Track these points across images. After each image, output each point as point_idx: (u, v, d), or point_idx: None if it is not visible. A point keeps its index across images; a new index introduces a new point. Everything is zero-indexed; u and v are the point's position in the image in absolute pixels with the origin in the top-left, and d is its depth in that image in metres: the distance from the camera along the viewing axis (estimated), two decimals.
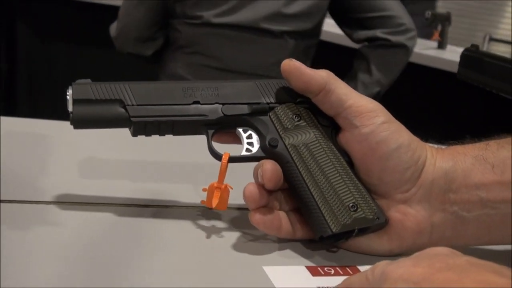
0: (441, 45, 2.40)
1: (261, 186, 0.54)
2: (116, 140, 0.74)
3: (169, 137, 0.58)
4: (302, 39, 1.62)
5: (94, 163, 0.72)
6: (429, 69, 2.19)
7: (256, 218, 0.54)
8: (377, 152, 0.54)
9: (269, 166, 0.54)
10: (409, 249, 0.55)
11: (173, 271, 0.51)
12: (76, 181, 0.66)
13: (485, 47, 2.79)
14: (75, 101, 0.55)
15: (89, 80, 0.56)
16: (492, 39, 2.91)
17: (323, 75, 0.55)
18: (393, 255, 0.56)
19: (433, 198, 0.54)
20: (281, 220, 0.55)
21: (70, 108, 0.55)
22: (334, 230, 0.53)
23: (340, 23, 1.73)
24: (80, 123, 0.55)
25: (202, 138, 0.58)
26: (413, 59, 2.20)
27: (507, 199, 0.53)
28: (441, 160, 0.55)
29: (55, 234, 0.54)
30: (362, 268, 0.55)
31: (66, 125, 0.69)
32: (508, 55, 2.71)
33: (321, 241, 0.55)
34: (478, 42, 2.80)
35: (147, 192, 0.65)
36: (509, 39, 3.32)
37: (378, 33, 1.65)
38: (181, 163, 0.75)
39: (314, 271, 0.53)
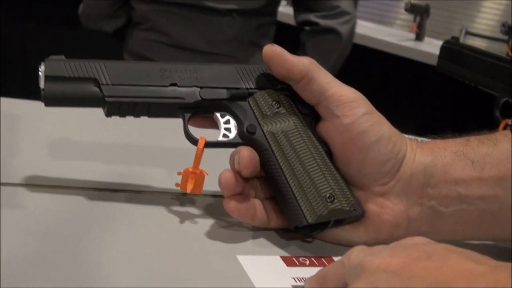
0: (419, 37, 2.41)
1: (237, 173, 0.53)
2: (89, 121, 0.72)
3: (144, 119, 0.56)
4: (252, 17, 1.58)
5: (65, 144, 0.70)
6: (407, 61, 2.19)
7: (231, 205, 0.53)
8: (357, 143, 0.53)
9: (246, 152, 0.53)
10: (384, 242, 0.54)
11: (144, 258, 0.49)
12: (46, 162, 0.64)
13: (461, 41, 2.80)
14: (47, 78, 0.53)
15: (62, 57, 0.54)
16: (468, 33, 2.92)
17: (306, 62, 0.54)
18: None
19: (411, 192, 0.54)
20: (256, 208, 0.54)
21: (41, 84, 0.53)
22: (309, 221, 0.52)
23: (293, 5, 1.68)
24: (51, 100, 0.53)
25: (178, 121, 0.56)
26: (391, 50, 2.21)
27: (485, 196, 0.52)
28: (420, 154, 0.54)
29: (22, 217, 0.52)
30: (337, 259, 0.54)
31: (38, 105, 0.67)
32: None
33: (296, 231, 0.54)
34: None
35: (119, 176, 0.63)
36: (484, 33, 3.34)
37: (311, 16, 1.58)
38: (155, 147, 0.74)
39: (288, 262, 0.52)
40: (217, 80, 0.56)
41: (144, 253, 0.50)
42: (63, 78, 0.53)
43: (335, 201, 0.53)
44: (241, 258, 0.51)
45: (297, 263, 0.52)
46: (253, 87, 0.57)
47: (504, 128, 0.80)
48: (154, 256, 0.50)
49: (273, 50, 0.54)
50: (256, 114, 0.56)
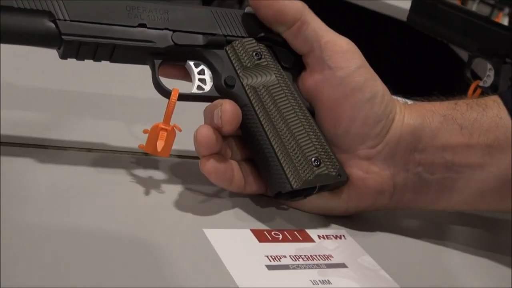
0: None
1: (216, 129, 0.47)
2: (36, 63, 0.63)
3: (103, 64, 0.49)
4: None
5: (8, 91, 0.61)
6: (376, 15, 2.13)
7: (208, 166, 0.47)
8: (349, 100, 0.49)
9: (229, 106, 0.48)
10: (366, 209, 0.52)
11: (102, 231, 0.43)
12: None
13: None
14: None
15: None
16: None
17: (299, 5, 0.50)
18: (348, 214, 0.53)
19: (399, 157, 0.50)
20: (234, 170, 0.49)
21: None
22: (294, 186, 0.48)
23: None
24: None
25: (144, 69, 0.50)
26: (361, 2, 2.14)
27: (473, 164, 0.50)
28: (409, 116, 0.51)
29: None
30: (311, 232, 0.50)
31: None
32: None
33: (276, 198, 0.50)
34: None
35: (70, 131, 0.55)
36: None
37: None
38: (113, 97, 0.65)
39: (260, 236, 0.47)
40: (191, 23, 0.50)
41: (102, 227, 0.43)
42: (10, 9, 0.45)
43: (321, 165, 0.48)
44: (208, 232, 0.46)
45: (270, 238, 0.48)
46: (231, 34, 0.51)
47: (474, 90, 0.77)
48: (111, 228, 0.43)
49: None
50: (235, 65, 0.50)
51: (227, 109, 0.47)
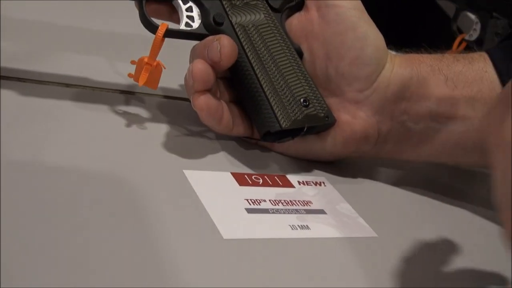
0: None
1: (210, 65, 0.47)
2: None
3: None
4: None
5: None
6: None
7: (201, 102, 0.47)
8: (341, 37, 0.49)
9: (228, 40, 0.47)
10: (349, 154, 0.53)
11: (79, 167, 0.42)
12: None
13: None
14: None
15: None
16: None
17: None
18: (331, 159, 0.53)
19: (386, 105, 0.51)
20: (223, 110, 0.48)
21: None
22: (283, 126, 0.47)
23: None
24: None
25: (131, 5, 0.48)
26: None
27: (455, 115, 0.51)
28: (399, 66, 0.51)
29: None
30: (291, 177, 0.50)
31: None
32: None
33: (264, 140, 0.50)
34: None
35: (53, 64, 0.53)
36: None
37: None
38: (100, 32, 0.63)
39: (240, 180, 0.47)
40: None
41: (77, 160, 0.43)
42: None
43: (310, 105, 0.48)
44: (188, 173, 0.46)
45: (250, 182, 0.47)
46: None
47: (460, 43, 0.77)
48: (88, 164, 0.43)
49: None
50: (224, 2, 0.49)
51: (226, 43, 0.47)
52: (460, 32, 0.78)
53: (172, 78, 0.51)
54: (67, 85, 0.52)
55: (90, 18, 0.64)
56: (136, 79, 0.47)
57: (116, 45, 0.61)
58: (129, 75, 0.48)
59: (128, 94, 0.53)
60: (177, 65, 0.51)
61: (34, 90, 0.49)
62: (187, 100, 0.50)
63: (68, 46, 0.59)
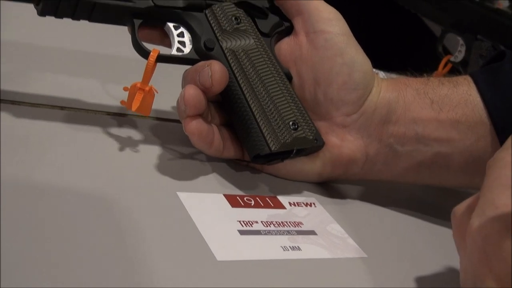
0: None
1: (201, 90, 0.48)
2: (14, 16, 0.61)
3: (83, 22, 0.48)
4: None
5: None
6: None
7: (192, 127, 0.48)
8: (329, 63, 0.51)
9: (219, 66, 0.48)
10: (338, 176, 0.54)
11: (73, 189, 0.43)
12: None
13: None
14: None
15: None
16: None
17: None
18: (321, 181, 0.54)
19: (372, 128, 0.52)
20: (214, 133, 0.49)
21: None
22: (272, 149, 0.48)
23: None
24: None
25: (123, 29, 0.49)
26: None
27: (441, 138, 0.52)
28: (385, 89, 0.52)
29: None
30: (282, 199, 0.51)
31: None
32: None
33: (254, 162, 0.51)
34: None
35: (47, 87, 0.54)
36: None
37: None
38: (94, 54, 0.64)
39: (233, 202, 0.48)
40: None
41: (70, 182, 0.43)
42: None
43: (299, 128, 0.49)
44: (182, 195, 0.46)
45: (242, 204, 0.48)
46: None
47: (445, 65, 0.78)
48: (83, 186, 0.43)
49: None
50: (214, 28, 0.50)
51: (217, 69, 0.48)
52: (446, 53, 0.80)
53: (164, 100, 0.52)
54: (62, 108, 0.52)
55: (84, 41, 0.65)
56: (129, 106, 0.48)
57: (109, 68, 0.62)
58: (122, 102, 0.49)
59: (120, 117, 0.53)
60: (169, 87, 0.52)
61: (29, 112, 0.50)
62: (178, 121, 0.51)
63: (61, 69, 0.59)
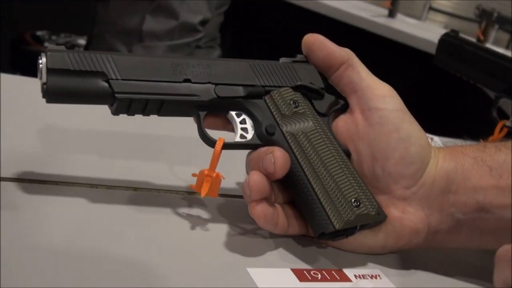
0: (392, 14, 2.37)
1: (265, 176, 0.50)
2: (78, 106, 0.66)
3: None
4: None
5: (53, 133, 0.64)
6: (379, 38, 2.16)
7: (258, 210, 0.50)
8: (386, 139, 0.52)
9: (281, 153, 0.51)
10: (401, 248, 0.55)
11: (147, 266, 0.46)
12: (34, 154, 0.58)
13: (424, 16, 2.79)
14: (49, 71, 0.47)
15: (63, 47, 0.49)
16: (431, 8, 2.91)
17: (346, 50, 0.55)
18: (385, 253, 0.55)
19: (433, 199, 0.53)
20: (279, 215, 0.52)
21: (43, 78, 0.47)
22: (337, 227, 0.50)
23: None
24: (54, 96, 0.48)
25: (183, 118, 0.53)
26: (363, 25, 2.18)
27: (503, 205, 0.52)
28: (443, 160, 0.53)
29: (11, 215, 0.48)
30: (348, 271, 0.52)
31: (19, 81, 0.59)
32: (444, 25, 2.71)
33: (319, 239, 0.52)
34: (418, 10, 2.74)
35: (118, 171, 0.58)
36: (447, 9, 3.34)
37: None
38: (156, 138, 0.68)
39: (300, 276, 0.50)
40: (231, 76, 0.53)
41: (147, 261, 0.46)
42: (67, 72, 0.48)
43: (361, 205, 0.51)
44: (252, 271, 0.48)
45: (309, 278, 0.50)
46: (269, 84, 0.54)
47: (501, 130, 0.79)
48: (158, 264, 0.46)
49: (315, 37, 0.55)
50: (274, 113, 0.53)
51: (279, 155, 0.50)
52: (502, 117, 0.81)
53: (228, 178, 0.55)
54: (135, 189, 0.56)
55: (150, 126, 0.69)
56: (198, 190, 0.51)
57: (172, 150, 0.66)
58: (191, 186, 0.52)
59: (189, 195, 0.56)
60: (234, 166, 0.55)
61: (105, 194, 0.54)
62: (242, 197, 0.53)
63: (131, 154, 0.63)
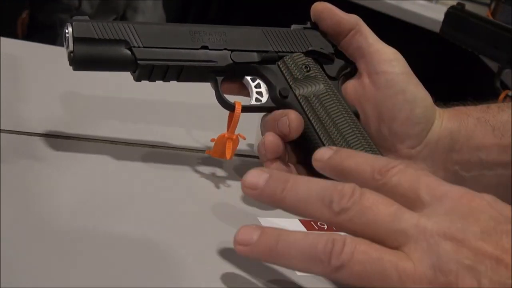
0: None
1: (280, 137, 0.53)
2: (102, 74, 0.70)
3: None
4: None
5: (77, 99, 0.67)
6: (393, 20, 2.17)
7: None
8: (392, 101, 0.55)
9: (295, 115, 0.54)
10: None
11: (165, 219, 0.49)
12: (59, 115, 0.62)
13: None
14: (76, 40, 0.50)
15: (87, 17, 0.52)
16: None
17: (354, 16, 0.57)
18: None
19: (437, 157, 0.55)
20: (292, 173, 0.55)
21: (70, 47, 0.50)
22: None
23: None
24: (81, 64, 0.51)
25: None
26: (372, 6, 2.18)
27: (504, 162, 0.55)
28: (447, 120, 0.56)
29: (40, 168, 0.51)
30: None
31: (40, 49, 0.62)
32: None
33: None
34: None
35: (138, 132, 0.61)
36: None
37: None
38: (171, 103, 0.71)
39: (308, 226, 0.53)
40: (246, 43, 0.56)
41: (166, 215, 0.49)
42: (92, 40, 0.50)
43: None
44: (262, 220, 0.52)
45: (316, 228, 0.53)
46: (282, 50, 0.56)
47: (504, 99, 0.82)
48: (175, 219, 0.49)
49: (323, 5, 0.57)
50: (287, 77, 0.56)
51: (293, 117, 0.53)
52: (504, 87, 0.83)
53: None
54: (153, 146, 0.59)
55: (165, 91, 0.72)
56: (215, 154, 0.55)
57: (189, 116, 0.69)
58: (207, 152, 0.56)
59: (202, 154, 0.60)
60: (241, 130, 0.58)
61: (124, 151, 0.57)
62: (256, 157, 0.57)
63: (149, 118, 0.67)
